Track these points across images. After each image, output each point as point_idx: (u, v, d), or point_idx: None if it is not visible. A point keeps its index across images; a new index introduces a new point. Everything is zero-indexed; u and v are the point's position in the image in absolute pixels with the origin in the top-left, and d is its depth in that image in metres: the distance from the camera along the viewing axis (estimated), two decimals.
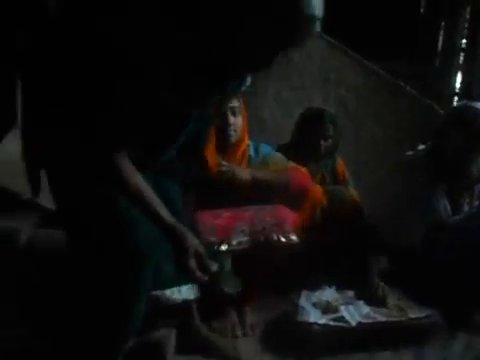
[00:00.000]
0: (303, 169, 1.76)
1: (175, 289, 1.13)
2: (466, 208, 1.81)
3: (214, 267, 1.10)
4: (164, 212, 1.06)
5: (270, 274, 1.56)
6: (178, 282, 1.13)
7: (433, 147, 1.78)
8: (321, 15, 0.98)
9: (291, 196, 1.68)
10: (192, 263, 1.05)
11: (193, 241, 1.07)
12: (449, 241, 1.72)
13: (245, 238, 1.47)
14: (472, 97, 2.08)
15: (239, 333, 1.48)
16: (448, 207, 1.77)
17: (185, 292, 1.14)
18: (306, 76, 2.37)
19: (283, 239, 1.47)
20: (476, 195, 1.85)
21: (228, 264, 1.30)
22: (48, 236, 1.89)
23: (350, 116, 2.39)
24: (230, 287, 1.28)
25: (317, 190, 1.84)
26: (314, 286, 1.61)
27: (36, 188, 1.15)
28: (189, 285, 1.16)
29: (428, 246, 1.76)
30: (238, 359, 1.36)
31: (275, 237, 1.47)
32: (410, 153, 1.91)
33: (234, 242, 1.45)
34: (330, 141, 1.92)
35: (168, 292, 1.11)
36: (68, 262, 1.16)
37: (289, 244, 1.48)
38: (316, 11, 0.95)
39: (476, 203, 1.83)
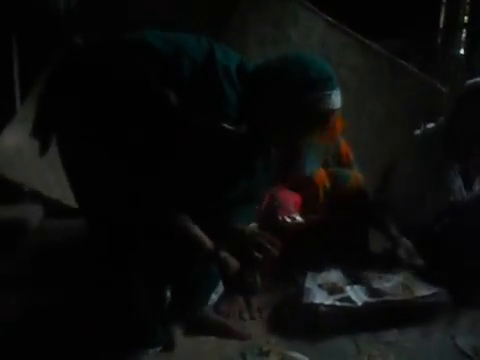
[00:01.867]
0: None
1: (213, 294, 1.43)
2: (478, 188, 1.79)
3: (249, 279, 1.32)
4: (207, 241, 1.18)
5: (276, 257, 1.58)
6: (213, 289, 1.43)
7: (447, 125, 1.74)
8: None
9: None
10: (234, 277, 1.22)
11: (234, 262, 1.21)
12: (462, 221, 1.71)
13: (252, 224, 1.48)
14: (474, 74, 2.03)
15: (246, 316, 1.49)
16: (462, 187, 1.75)
17: (219, 289, 1.44)
18: None
19: (288, 219, 1.49)
20: None
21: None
22: (55, 226, 1.90)
23: (351, 97, 2.34)
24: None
25: (320, 172, 1.84)
26: (319, 268, 1.61)
27: (45, 148, 1.18)
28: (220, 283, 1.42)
29: (442, 227, 1.75)
30: (249, 337, 1.37)
31: (280, 218, 1.49)
32: (418, 132, 1.88)
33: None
34: None
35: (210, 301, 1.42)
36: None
37: (294, 224, 1.49)
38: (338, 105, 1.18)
39: None
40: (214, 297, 1.46)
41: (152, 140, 1.06)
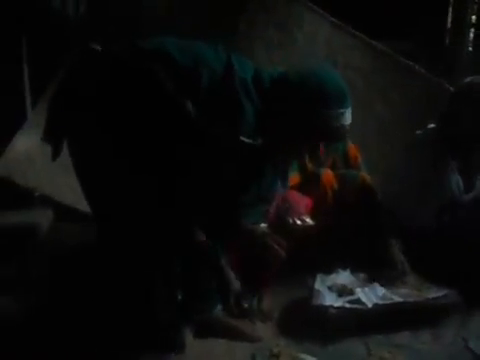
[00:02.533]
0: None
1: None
2: (478, 185, 1.79)
3: (245, 305, 1.36)
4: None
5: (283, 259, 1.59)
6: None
7: (443, 124, 1.76)
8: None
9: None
10: (232, 301, 1.27)
11: (236, 284, 1.25)
12: (462, 219, 1.71)
13: (262, 224, 1.49)
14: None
15: (256, 319, 1.49)
16: (461, 184, 1.75)
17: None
18: (310, 58, 2.33)
19: (299, 222, 1.50)
20: None
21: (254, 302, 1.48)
22: (66, 230, 1.92)
23: (358, 99, 2.33)
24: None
25: (329, 174, 1.84)
26: (329, 270, 1.61)
27: (56, 152, 1.20)
28: None
29: (442, 225, 1.75)
30: (260, 339, 1.38)
31: (290, 220, 1.49)
32: (420, 132, 1.89)
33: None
34: None
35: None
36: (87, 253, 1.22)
37: (304, 227, 1.49)
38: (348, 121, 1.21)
39: None
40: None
41: (167, 149, 1.07)
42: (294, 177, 1.81)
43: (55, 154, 1.18)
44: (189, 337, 1.35)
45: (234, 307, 1.33)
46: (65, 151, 1.22)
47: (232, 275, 1.24)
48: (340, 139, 1.31)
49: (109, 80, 1.10)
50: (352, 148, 2.02)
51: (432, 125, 1.87)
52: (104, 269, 1.29)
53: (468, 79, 1.74)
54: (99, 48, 1.16)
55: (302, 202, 1.62)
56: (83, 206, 1.70)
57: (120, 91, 1.08)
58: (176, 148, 1.08)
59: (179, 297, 1.34)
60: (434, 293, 1.48)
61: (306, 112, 1.16)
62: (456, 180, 1.75)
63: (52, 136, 1.18)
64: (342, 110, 1.18)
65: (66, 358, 1.25)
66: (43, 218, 1.92)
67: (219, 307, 1.43)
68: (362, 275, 1.60)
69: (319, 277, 1.54)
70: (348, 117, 1.21)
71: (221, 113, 1.09)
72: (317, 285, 1.49)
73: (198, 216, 1.18)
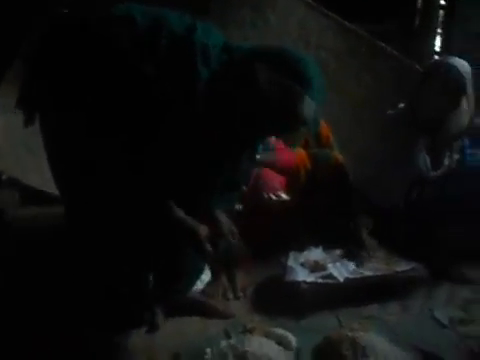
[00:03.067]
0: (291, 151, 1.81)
1: (197, 282, 1.43)
2: (446, 163, 1.85)
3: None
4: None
5: (260, 238, 1.60)
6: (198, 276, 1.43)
7: (412, 103, 1.80)
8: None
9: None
10: (207, 246, 1.15)
11: (204, 229, 1.17)
12: (429, 196, 1.76)
13: (237, 205, 1.52)
14: (451, 54, 2.07)
15: (230, 296, 1.50)
16: (428, 163, 1.80)
17: (205, 277, 1.46)
18: (284, 39, 2.32)
19: (273, 196, 1.51)
20: (455, 150, 1.88)
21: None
22: (32, 214, 1.87)
23: (330, 79, 2.35)
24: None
25: (301, 153, 1.86)
26: (302, 247, 1.64)
27: (30, 120, 1.16)
28: (206, 271, 1.44)
29: (410, 202, 1.80)
30: (233, 316, 1.39)
31: (265, 195, 1.51)
32: (391, 112, 1.93)
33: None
34: None
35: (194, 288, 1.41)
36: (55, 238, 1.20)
37: (280, 202, 1.51)
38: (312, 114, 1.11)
39: (455, 157, 1.87)
40: (199, 285, 1.47)
41: (130, 115, 1.05)
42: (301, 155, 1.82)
43: (27, 122, 1.15)
44: (162, 316, 1.36)
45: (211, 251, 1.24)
46: (32, 132, 1.19)
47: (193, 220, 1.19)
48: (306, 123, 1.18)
49: (75, 46, 1.07)
50: (324, 128, 2.04)
51: (402, 105, 1.90)
52: (72, 252, 1.27)
53: (436, 59, 1.78)
54: (67, 14, 1.13)
55: (276, 179, 1.64)
56: (50, 188, 1.67)
57: (84, 57, 1.06)
58: (142, 115, 1.06)
59: (151, 279, 1.34)
60: (402, 267, 1.53)
61: (271, 95, 1.08)
62: (424, 158, 1.80)
63: (24, 104, 1.15)
64: (308, 93, 1.08)
65: (34, 339, 1.23)
66: (10, 201, 1.87)
67: (195, 287, 1.44)
68: (334, 252, 1.63)
69: (292, 254, 1.57)
70: (314, 100, 1.10)
71: (176, 76, 1.05)
72: (290, 262, 1.51)
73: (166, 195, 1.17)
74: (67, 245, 1.24)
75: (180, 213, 1.15)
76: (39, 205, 1.89)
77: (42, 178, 1.79)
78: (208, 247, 1.14)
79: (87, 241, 1.17)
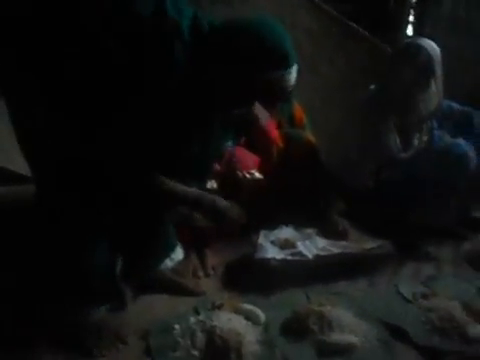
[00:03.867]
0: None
1: (167, 260, 1.42)
2: (416, 144, 1.88)
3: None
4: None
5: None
6: (167, 254, 1.42)
7: (383, 84, 1.81)
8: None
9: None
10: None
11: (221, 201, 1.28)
12: (398, 176, 1.80)
13: (209, 182, 1.54)
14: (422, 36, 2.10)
15: (200, 274, 1.50)
16: (398, 144, 1.83)
17: (175, 256, 1.44)
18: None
19: (248, 175, 1.52)
20: (425, 131, 1.92)
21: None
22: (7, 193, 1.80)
23: (304, 60, 2.35)
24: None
25: (275, 133, 1.86)
26: (273, 226, 1.64)
27: None
28: (177, 249, 1.45)
29: (379, 182, 1.84)
30: (203, 293, 1.39)
31: (240, 174, 1.51)
32: (362, 95, 1.94)
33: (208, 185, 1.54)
34: None
35: (163, 265, 1.40)
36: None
37: (253, 180, 1.51)
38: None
39: (424, 139, 1.91)
40: (169, 263, 1.46)
41: (98, 88, 1.02)
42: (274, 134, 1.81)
43: None
44: (130, 294, 1.34)
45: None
46: None
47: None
48: (281, 100, 1.27)
49: (33, 14, 1.01)
50: (298, 109, 2.04)
51: (373, 87, 1.92)
52: (41, 229, 1.23)
53: (407, 40, 1.80)
54: None
55: (250, 158, 1.64)
56: (12, 166, 1.61)
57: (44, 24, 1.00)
58: (109, 88, 1.02)
59: (119, 256, 1.32)
60: (370, 244, 1.56)
61: (243, 71, 1.08)
62: (394, 139, 1.83)
63: None
64: (283, 72, 1.08)
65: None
66: None
67: (164, 264, 1.43)
68: (305, 230, 1.65)
69: (263, 232, 1.57)
70: (290, 78, 1.11)
71: (148, 53, 1.03)
72: (260, 240, 1.52)
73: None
74: (36, 222, 1.20)
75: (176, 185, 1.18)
76: (5, 184, 1.82)
77: (2, 156, 1.73)
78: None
79: (57, 217, 1.13)
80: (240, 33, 1.09)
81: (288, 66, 1.10)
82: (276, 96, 1.18)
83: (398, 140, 1.81)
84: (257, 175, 1.61)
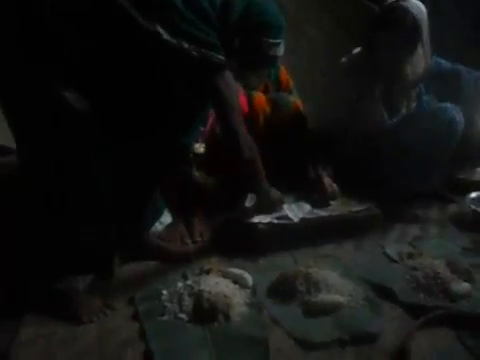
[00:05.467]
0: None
1: (157, 223, 1.46)
2: (404, 112, 1.83)
3: None
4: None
5: (222, 177, 1.64)
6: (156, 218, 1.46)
7: (366, 48, 1.72)
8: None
9: None
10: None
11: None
12: (383, 144, 1.77)
13: (197, 144, 1.60)
14: None
15: (188, 241, 1.50)
16: (384, 114, 1.78)
17: (164, 220, 1.49)
18: None
19: None
20: (413, 98, 1.87)
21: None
22: None
23: (289, 21, 2.28)
24: None
25: (261, 98, 1.82)
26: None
27: None
28: (165, 213, 1.50)
29: (366, 151, 1.81)
30: (191, 260, 1.38)
31: None
32: (345, 58, 1.86)
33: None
34: None
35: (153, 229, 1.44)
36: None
37: None
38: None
39: (413, 106, 1.86)
40: (158, 226, 1.45)
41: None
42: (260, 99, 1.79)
43: None
44: (118, 261, 1.33)
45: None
46: None
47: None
48: (271, 66, 1.48)
49: None
50: (283, 72, 1.99)
51: (357, 49, 1.84)
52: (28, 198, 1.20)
53: (390, 2, 1.70)
54: None
55: None
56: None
57: None
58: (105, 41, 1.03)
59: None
60: (357, 207, 1.56)
61: (245, 38, 1.25)
62: (380, 110, 1.77)
63: None
64: (278, 40, 1.31)
65: None
66: None
67: (154, 227, 1.42)
68: (292, 194, 1.64)
69: (249, 197, 1.56)
70: (282, 49, 1.35)
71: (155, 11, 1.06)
72: (247, 204, 1.51)
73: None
74: (23, 192, 1.17)
75: None
76: None
77: None
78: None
79: (45, 186, 1.10)
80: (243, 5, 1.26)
81: (282, 36, 1.33)
82: (266, 64, 1.41)
83: (383, 110, 1.76)
84: None
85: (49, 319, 1.14)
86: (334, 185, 1.66)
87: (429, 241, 1.53)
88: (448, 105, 1.70)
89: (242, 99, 1.76)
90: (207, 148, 1.71)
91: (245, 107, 1.76)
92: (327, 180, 1.69)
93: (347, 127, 1.80)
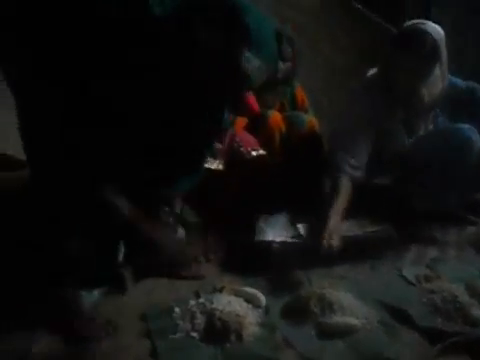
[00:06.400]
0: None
1: None
2: (421, 134, 1.79)
3: None
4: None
5: (233, 203, 1.62)
6: None
7: (383, 69, 1.70)
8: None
9: None
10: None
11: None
12: (400, 164, 1.75)
13: (218, 160, 1.59)
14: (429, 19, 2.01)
15: (201, 259, 1.49)
16: (404, 135, 1.76)
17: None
18: None
19: (253, 152, 1.54)
20: (430, 120, 1.84)
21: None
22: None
23: (307, 40, 2.31)
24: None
25: (276, 116, 1.83)
26: (273, 210, 1.62)
27: None
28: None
29: (382, 169, 1.80)
30: (203, 277, 1.38)
31: (244, 150, 1.52)
32: (364, 79, 1.84)
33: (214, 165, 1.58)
34: (288, 64, 1.86)
35: None
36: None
37: (258, 157, 1.58)
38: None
39: (430, 127, 1.83)
40: None
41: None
42: (241, 120, 1.80)
43: None
44: (130, 278, 1.34)
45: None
46: None
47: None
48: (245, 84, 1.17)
49: None
50: (299, 91, 2.01)
51: (373, 70, 1.82)
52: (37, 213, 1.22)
53: (409, 24, 1.69)
54: None
55: (251, 138, 1.65)
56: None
57: None
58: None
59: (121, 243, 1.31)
60: (372, 227, 1.54)
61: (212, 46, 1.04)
62: (399, 130, 1.76)
63: None
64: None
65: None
66: None
67: None
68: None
69: (263, 217, 1.56)
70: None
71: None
72: (261, 223, 1.51)
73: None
74: (33, 207, 1.19)
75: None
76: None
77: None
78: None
79: (52, 200, 1.12)
80: (203, 7, 1.05)
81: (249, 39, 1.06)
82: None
83: (404, 132, 1.74)
84: (261, 151, 1.63)
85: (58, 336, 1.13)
86: (335, 238, 1.41)
87: (447, 264, 1.49)
88: (464, 125, 1.68)
89: (251, 99, 1.78)
90: (225, 164, 1.72)
91: (255, 106, 1.77)
92: (331, 227, 1.46)
93: (365, 148, 1.76)
